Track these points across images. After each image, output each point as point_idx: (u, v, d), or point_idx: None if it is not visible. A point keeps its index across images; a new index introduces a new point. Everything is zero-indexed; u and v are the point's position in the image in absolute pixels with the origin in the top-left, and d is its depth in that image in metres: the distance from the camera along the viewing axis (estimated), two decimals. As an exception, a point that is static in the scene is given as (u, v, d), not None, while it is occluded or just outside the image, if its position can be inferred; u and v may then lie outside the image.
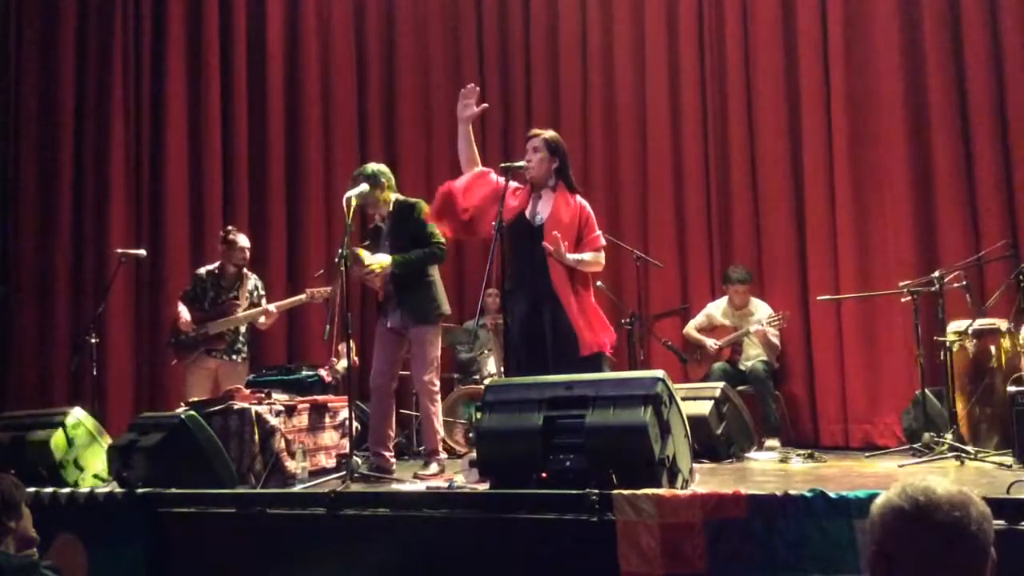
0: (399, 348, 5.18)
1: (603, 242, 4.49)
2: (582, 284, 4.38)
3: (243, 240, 6.05)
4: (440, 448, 5.15)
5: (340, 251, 4.76)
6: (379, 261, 4.99)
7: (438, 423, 5.14)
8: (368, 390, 5.32)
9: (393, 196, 5.23)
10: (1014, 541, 2.55)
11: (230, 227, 6.28)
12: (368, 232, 5.39)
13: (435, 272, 5.19)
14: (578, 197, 4.47)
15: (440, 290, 5.18)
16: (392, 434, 5.17)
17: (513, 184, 4.45)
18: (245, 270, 6.10)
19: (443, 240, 5.04)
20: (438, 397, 5.14)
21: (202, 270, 6.16)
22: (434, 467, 4.98)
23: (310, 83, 7.81)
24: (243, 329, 6.08)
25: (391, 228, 5.18)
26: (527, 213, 4.41)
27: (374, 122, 7.89)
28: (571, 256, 4.31)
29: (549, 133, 4.49)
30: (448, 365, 7.37)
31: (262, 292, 6.15)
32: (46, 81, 7.57)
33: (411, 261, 5.02)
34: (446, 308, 5.20)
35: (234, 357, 6.02)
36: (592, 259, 4.41)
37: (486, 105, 4.60)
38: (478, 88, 4.50)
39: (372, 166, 5.26)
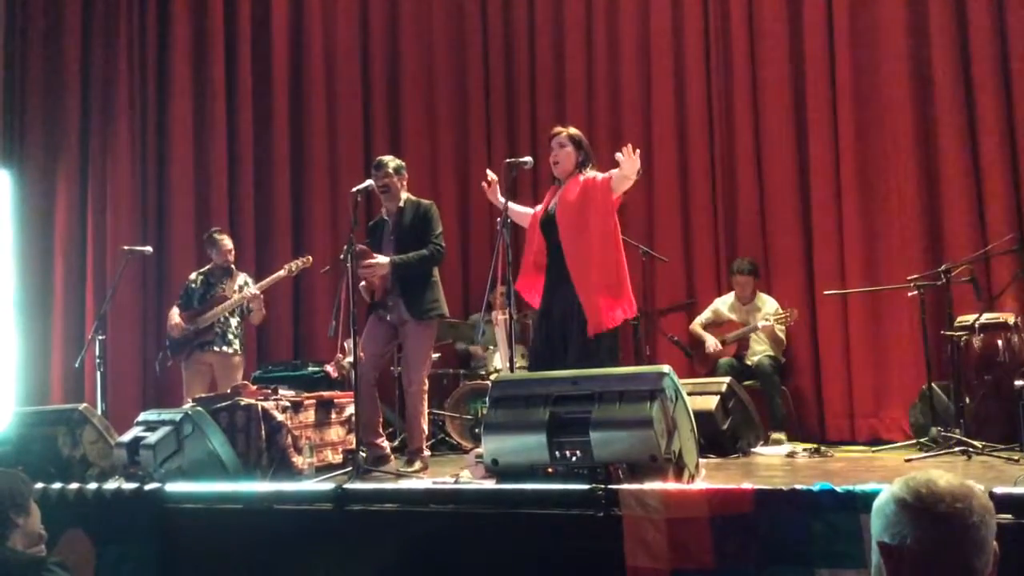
0: (391, 341, 5.21)
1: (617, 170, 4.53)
2: (604, 261, 4.44)
3: (227, 240, 6.30)
4: (425, 447, 5.16)
5: (345, 247, 4.78)
6: (379, 261, 5.01)
7: (425, 422, 5.17)
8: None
9: (404, 193, 5.24)
10: (1021, 535, 2.54)
11: (214, 228, 6.50)
12: (368, 228, 5.38)
13: (436, 273, 5.21)
14: (588, 173, 4.59)
15: (441, 291, 5.20)
16: (380, 420, 5.20)
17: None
18: (233, 267, 6.34)
19: (443, 243, 5.13)
20: (426, 396, 5.18)
21: (192, 274, 6.38)
22: (417, 465, 4.98)
23: (315, 82, 7.81)
24: (235, 322, 6.18)
25: (400, 224, 5.16)
26: (549, 207, 4.66)
27: (379, 121, 7.87)
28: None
29: (572, 129, 4.72)
30: (453, 361, 7.37)
31: (253, 289, 6.21)
32: (51, 78, 7.60)
33: (411, 263, 5.03)
34: (445, 310, 5.23)
35: (226, 348, 6.12)
36: (613, 175, 4.46)
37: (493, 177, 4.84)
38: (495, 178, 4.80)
39: (395, 159, 5.30)
